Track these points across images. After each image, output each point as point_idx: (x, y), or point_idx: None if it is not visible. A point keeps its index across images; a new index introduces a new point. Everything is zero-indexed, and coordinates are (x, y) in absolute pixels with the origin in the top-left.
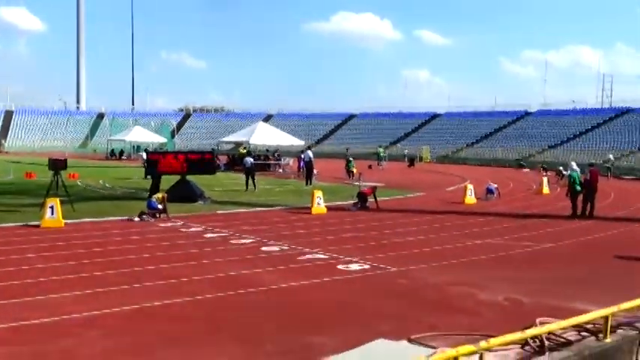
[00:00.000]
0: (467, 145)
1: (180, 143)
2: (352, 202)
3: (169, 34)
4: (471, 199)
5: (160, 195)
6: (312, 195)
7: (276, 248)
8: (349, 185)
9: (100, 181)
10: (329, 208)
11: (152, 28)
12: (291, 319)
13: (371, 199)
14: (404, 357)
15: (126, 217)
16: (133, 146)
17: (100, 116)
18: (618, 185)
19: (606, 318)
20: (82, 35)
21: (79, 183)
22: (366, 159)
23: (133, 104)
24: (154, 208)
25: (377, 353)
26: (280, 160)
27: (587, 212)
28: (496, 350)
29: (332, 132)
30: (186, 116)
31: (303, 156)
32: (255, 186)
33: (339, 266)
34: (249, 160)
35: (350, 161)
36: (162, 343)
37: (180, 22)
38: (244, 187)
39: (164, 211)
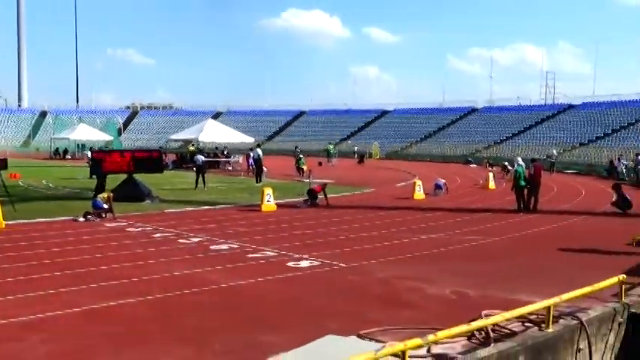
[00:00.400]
0: (416, 142)
1: (128, 141)
2: (302, 199)
3: (115, 31)
4: (420, 194)
5: (105, 194)
6: (262, 192)
7: (225, 247)
8: (299, 182)
9: (43, 181)
10: (279, 206)
11: (97, 24)
12: (240, 318)
13: (321, 196)
14: (353, 352)
15: (70, 218)
16: (78, 145)
17: (43, 114)
18: (561, 179)
19: (548, 309)
20: (22, 31)
21: (21, 183)
22: (317, 156)
23: (77, 102)
24: (100, 207)
25: (326, 350)
26: (230, 157)
27: (531, 206)
28: (443, 343)
29: (282, 129)
30: (134, 114)
31: (252, 154)
32: (204, 184)
33: (289, 263)
34: (200, 157)
35: (300, 158)
36: (107, 345)
37: (126, 19)
38: (194, 186)
39: (110, 210)
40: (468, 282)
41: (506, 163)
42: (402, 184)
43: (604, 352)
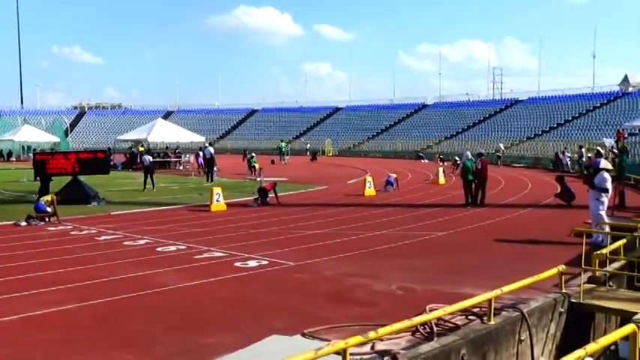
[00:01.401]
0: (368, 138)
1: (75, 142)
2: (253, 198)
3: (61, 29)
4: (370, 191)
5: (48, 197)
6: (211, 192)
7: (172, 248)
8: (251, 181)
9: None
10: (229, 205)
11: (41, 20)
12: (184, 320)
13: (272, 195)
14: (297, 351)
15: (12, 222)
16: (23, 147)
17: None
18: (509, 173)
19: (490, 301)
20: None
21: None
22: (270, 154)
23: (22, 102)
24: (43, 211)
25: (270, 350)
26: (180, 157)
27: (478, 200)
28: (388, 339)
29: (234, 128)
30: (81, 114)
31: (204, 152)
32: (153, 185)
33: (237, 263)
34: (148, 157)
35: (252, 157)
36: (44, 354)
37: (73, 16)
38: (142, 187)
39: (54, 214)
40: (414, 277)
41: (457, 158)
42: (354, 180)
43: (545, 342)
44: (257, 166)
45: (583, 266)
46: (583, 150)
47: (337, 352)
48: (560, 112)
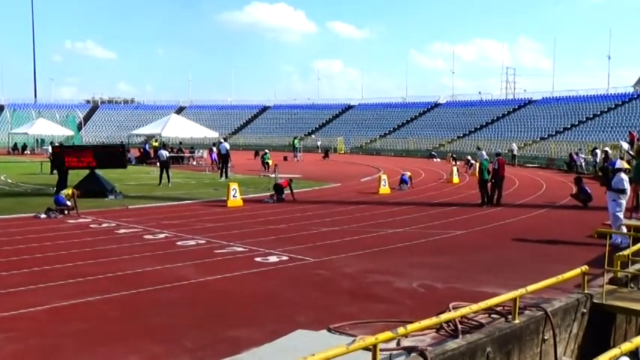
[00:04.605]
0: (380, 136)
1: (88, 136)
2: (269, 194)
3: (74, 23)
4: (385, 189)
5: (69, 191)
6: (228, 187)
7: (192, 242)
8: (265, 177)
9: (2, 177)
10: (245, 201)
11: (55, 15)
12: (209, 313)
13: (287, 191)
14: (324, 346)
15: (32, 215)
16: (37, 140)
17: (0, 108)
18: (523, 173)
19: (514, 300)
20: None
21: None
22: (282, 151)
23: (35, 96)
24: (62, 203)
25: (296, 344)
26: (194, 152)
27: (494, 200)
28: (413, 335)
29: (246, 124)
30: (94, 108)
31: (220, 148)
32: (169, 180)
33: (257, 259)
34: (164, 153)
35: (266, 153)
36: (74, 344)
37: (86, 11)
38: (157, 181)
39: (74, 207)
40: (435, 275)
41: (469, 158)
42: (367, 178)
43: (568, 342)
44: (270, 162)
45: (605, 267)
46: (598, 151)
47: (367, 348)
48: (574, 113)
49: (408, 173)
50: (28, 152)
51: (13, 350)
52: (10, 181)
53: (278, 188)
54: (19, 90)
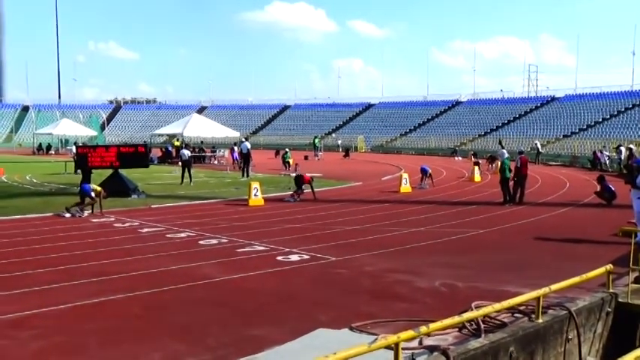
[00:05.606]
0: (401, 135)
1: (111, 136)
2: (290, 193)
3: (97, 25)
4: (406, 187)
5: (97, 187)
6: (249, 186)
7: (214, 241)
8: (286, 176)
9: (28, 177)
10: (266, 200)
11: (79, 16)
12: (232, 312)
13: (308, 190)
14: (345, 345)
15: (56, 214)
16: (61, 140)
17: (25, 109)
18: (545, 171)
19: (538, 299)
20: (2, 24)
21: (5, 179)
22: (303, 150)
23: (59, 96)
24: (87, 193)
25: (318, 343)
26: (215, 151)
27: (517, 198)
28: (435, 334)
29: (267, 123)
30: (117, 108)
31: (241, 147)
32: (190, 179)
33: (279, 257)
34: (186, 152)
35: (286, 152)
36: (98, 341)
37: (109, 13)
38: (180, 181)
39: (95, 201)
40: (456, 274)
41: (490, 155)
42: (389, 177)
43: (592, 342)
44: (291, 161)
45: (630, 266)
46: (622, 148)
47: (389, 347)
48: (598, 110)
49: (429, 166)
50: (53, 152)
51: (38, 347)
52: (35, 180)
53: (299, 180)
54: (43, 91)
